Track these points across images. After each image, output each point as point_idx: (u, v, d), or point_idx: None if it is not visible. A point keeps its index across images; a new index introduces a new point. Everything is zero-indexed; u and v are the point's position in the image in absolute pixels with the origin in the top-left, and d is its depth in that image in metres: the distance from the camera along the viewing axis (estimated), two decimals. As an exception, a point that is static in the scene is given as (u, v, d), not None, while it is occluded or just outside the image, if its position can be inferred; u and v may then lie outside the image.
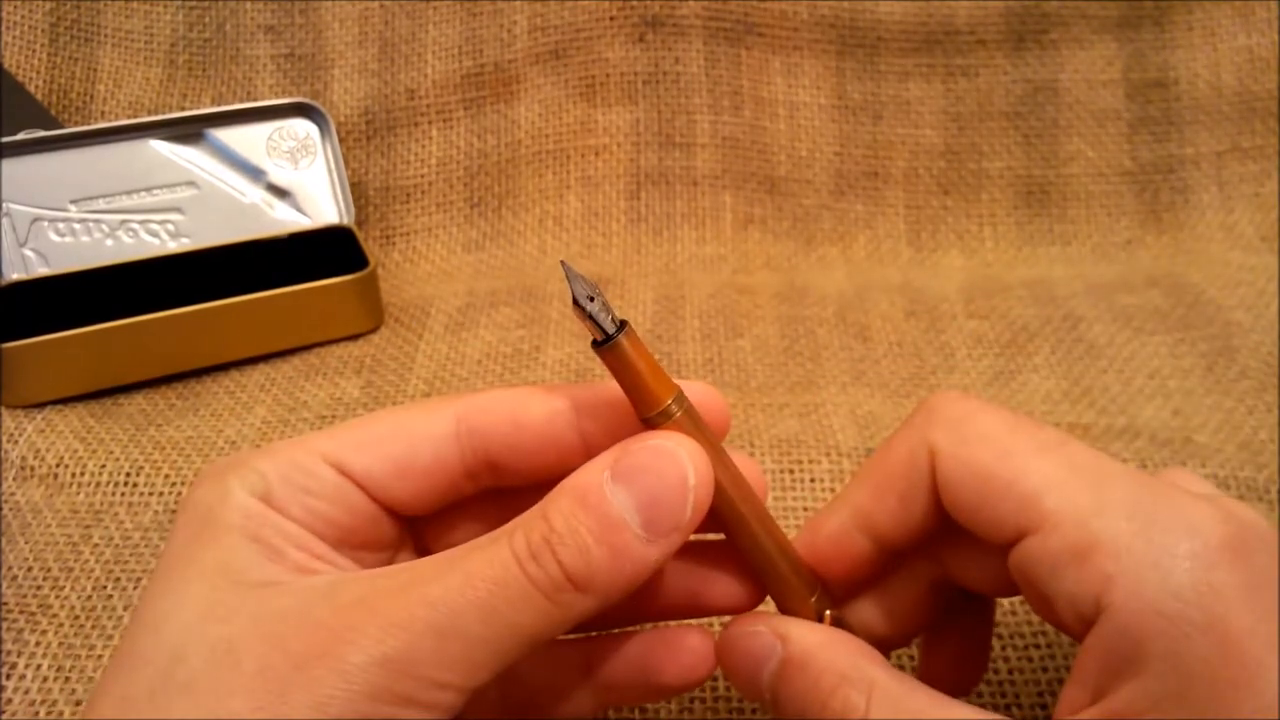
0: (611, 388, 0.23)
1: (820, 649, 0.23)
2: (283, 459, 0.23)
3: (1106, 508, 0.20)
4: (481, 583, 0.20)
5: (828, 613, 0.24)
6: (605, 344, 0.22)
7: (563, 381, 0.26)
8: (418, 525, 0.26)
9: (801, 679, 0.22)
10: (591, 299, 0.22)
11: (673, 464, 0.21)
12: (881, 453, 0.24)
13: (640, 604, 0.26)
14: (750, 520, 0.23)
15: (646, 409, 0.22)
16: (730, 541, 0.24)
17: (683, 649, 0.26)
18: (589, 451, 0.23)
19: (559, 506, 0.21)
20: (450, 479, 0.24)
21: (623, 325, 0.22)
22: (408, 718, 0.20)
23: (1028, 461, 0.22)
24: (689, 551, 0.25)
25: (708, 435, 0.22)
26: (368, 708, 0.19)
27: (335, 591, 0.21)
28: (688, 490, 0.21)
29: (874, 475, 0.24)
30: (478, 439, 0.24)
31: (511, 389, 0.24)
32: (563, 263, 0.23)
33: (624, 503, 0.21)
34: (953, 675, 0.27)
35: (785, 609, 0.25)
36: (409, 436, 0.23)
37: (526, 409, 0.24)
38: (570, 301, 0.22)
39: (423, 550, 0.26)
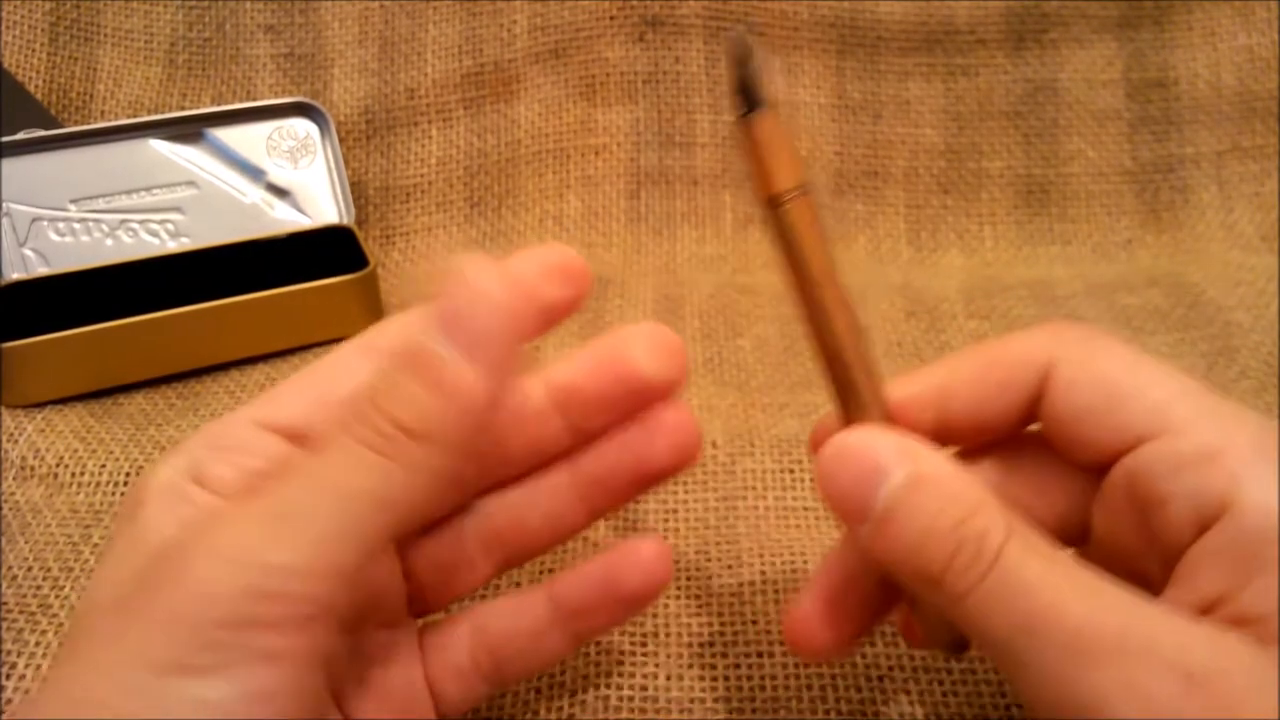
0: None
1: (956, 474, 0.21)
2: (210, 431, 0.23)
3: (1232, 427, 0.21)
4: (314, 464, 0.20)
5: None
6: (748, 114, 0.21)
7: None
8: None
9: (937, 496, 0.21)
10: (755, 63, 0.22)
11: (467, 284, 0.21)
12: (990, 345, 0.24)
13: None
14: (836, 319, 0.23)
15: (766, 187, 0.22)
16: (812, 348, 0.24)
17: (640, 556, 0.26)
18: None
19: (390, 367, 0.21)
20: None
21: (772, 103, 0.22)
22: (270, 615, 0.19)
23: (1155, 377, 0.22)
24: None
25: (819, 230, 0.22)
26: (220, 611, 0.19)
27: (197, 520, 0.21)
28: (487, 300, 0.20)
29: (977, 358, 0.24)
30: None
31: (413, 314, 0.24)
32: (732, 33, 0.22)
33: (431, 337, 0.20)
34: None
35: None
36: (321, 375, 0.24)
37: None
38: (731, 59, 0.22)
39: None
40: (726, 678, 0.31)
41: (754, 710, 0.30)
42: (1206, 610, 0.20)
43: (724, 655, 0.31)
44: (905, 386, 0.24)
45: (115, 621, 0.20)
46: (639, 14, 0.57)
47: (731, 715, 0.30)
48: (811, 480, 0.38)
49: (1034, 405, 0.23)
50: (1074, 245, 0.56)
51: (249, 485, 0.22)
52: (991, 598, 0.20)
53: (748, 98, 0.21)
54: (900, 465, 0.21)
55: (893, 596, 0.25)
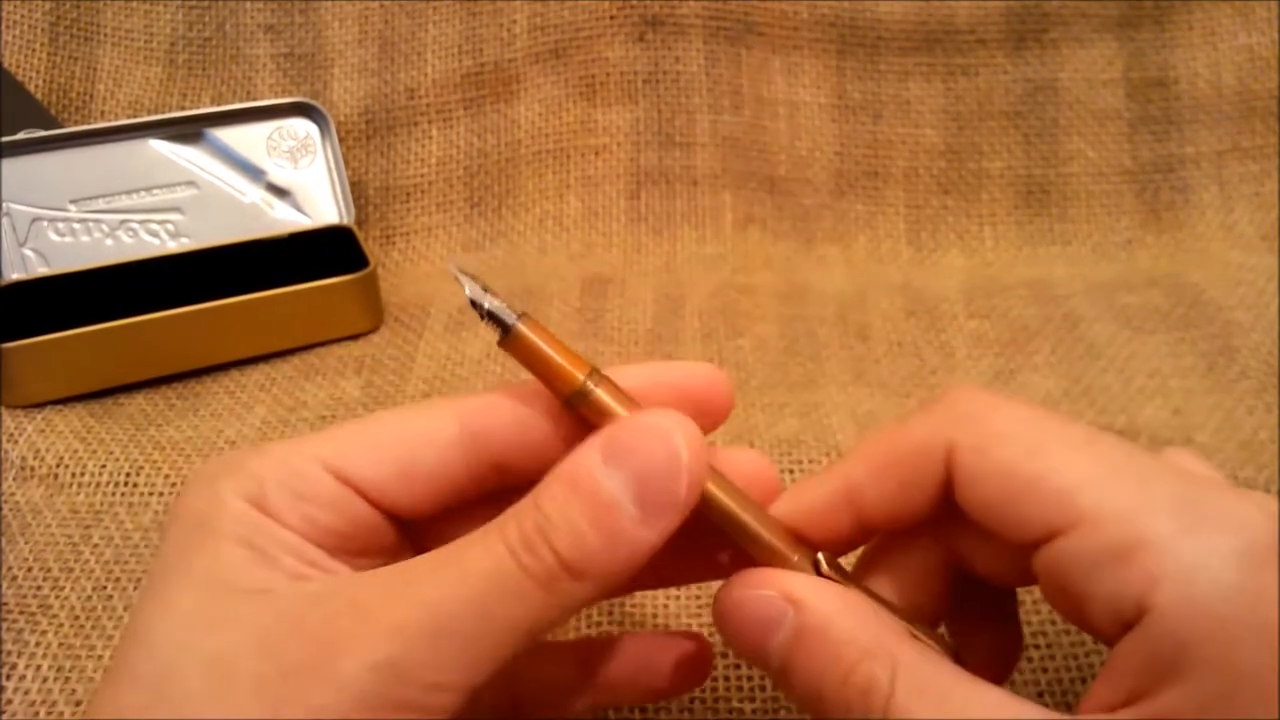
0: (626, 372, 0.23)
1: (839, 616, 0.21)
2: (278, 463, 0.22)
3: (1148, 505, 0.19)
4: (475, 579, 0.20)
5: (820, 556, 0.23)
6: (507, 335, 0.22)
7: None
8: (417, 525, 0.25)
9: (820, 651, 0.21)
10: (487, 290, 0.22)
11: (664, 441, 0.21)
12: (888, 436, 0.23)
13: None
14: (716, 491, 0.23)
15: (560, 391, 0.22)
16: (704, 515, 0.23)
17: (681, 652, 0.26)
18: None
19: (550, 493, 0.20)
20: (454, 482, 0.23)
21: (521, 316, 0.22)
22: (408, 717, 0.19)
23: (1059, 458, 0.21)
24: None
25: (632, 400, 0.22)
26: (363, 715, 0.19)
27: (327, 596, 0.20)
28: (681, 467, 0.20)
29: (876, 455, 0.23)
30: (482, 441, 0.23)
31: (515, 388, 0.24)
32: (451, 263, 0.24)
33: (616, 484, 0.20)
34: (982, 664, 0.25)
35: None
36: (411, 440, 0.23)
37: (531, 409, 0.23)
38: (469, 303, 0.22)
39: (421, 550, 0.26)
40: (726, 678, 0.31)
41: (754, 710, 0.30)
42: (1132, 702, 0.19)
43: (724, 655, 0.31)
44: (811, 490, 0.24)
45: (229, 692, 0.19)
46: (639, 14, 0.57)
47: (731, 715, 0.30)
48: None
49: (940, 499, 0.22)
50: (1074, 245, 0.56)
51: (376, 571, 0.21)
52: (909, 708, 0.20)
53: (498, 321, 0.22)
54: (784, 619, 0.21)
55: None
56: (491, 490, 0.24)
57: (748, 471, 0.24)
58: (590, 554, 0.20)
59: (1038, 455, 0.21)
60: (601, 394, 0.22)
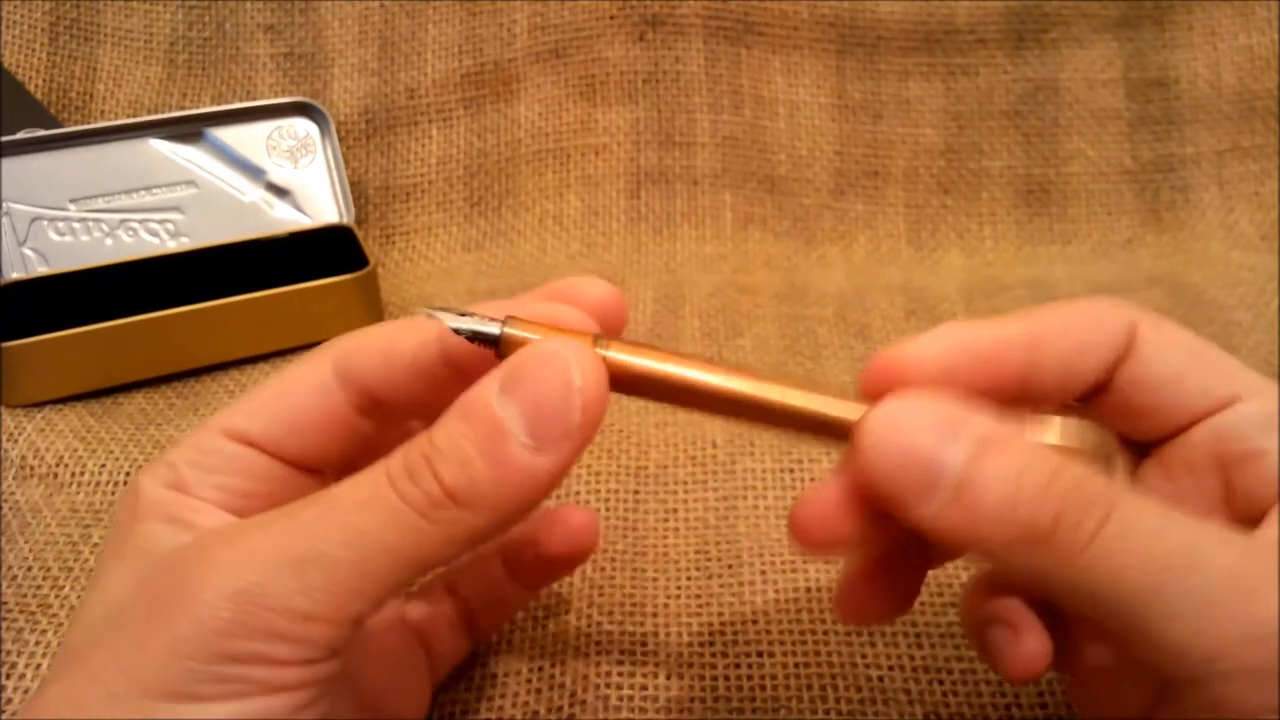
0: (490, 308, 0.23)
1: (1019, 434, 0.20)
2: (188, 444, 0.23)
3: None
4: (348, 506, 0.20)
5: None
6: (497, 344, 0.21)
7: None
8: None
9: (1016, 457, 0.19)
10: (463, 315, 0.22)
11: (557, 367, 0.20)
12: (1065, 306, 0.23)
13: None
14: (750, 386, 0.21)
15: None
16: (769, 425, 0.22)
17: (567, 524, 0.27)
18: (464, 380, 0.22)
19: (443, 424, 0.20)
20: (344, 424, 0.24)
21: (503, 320, 0.22)
22: (277, 654, 0.19)
23: (1220, 350, 0.23)
24: None
25: (646, 347, 0.22)
26: (226, 645, 0.19)
27: (205, 536, 0.20)
28: (573, 392, 0.20)
29: (1062, 312, 0.23)
30: (355, 378, 0.23)
31: (384, 324, 0.24)
32: (421, 311, 0.22)
33: (510, 412, 0.20)
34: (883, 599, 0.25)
35: None
36: (291, 391, 0.23)
37: (396, 344, 0.23)
38: (453, 335, 0.22)
39: None
40: (726, 678, 0.31)
41: (754, 710, 0.30)
42: None
43: (724, 655, 0.31)
44: (998, 328, 0.23)
45: (115, 639, 0.19)
46: (639, 14, 0.57)
47: (731, 715, 0.30)
48: (811, 480, 0.38)
49: (1113, 367, 0.23)
50: (1074, 245, 0.56)
51: (254, 506, 0.21)
52: (1119, 546, 0.18)
53: (486, 339, 0.21)
54: (960, 430, 0.19)
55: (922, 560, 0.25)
56: (389, 423, 0.24)
57: (595, 298, 0.24)
58: (476, 481, 0.19)
59: (1208, 343, 0.23)
60: (615, 356, 0.21)
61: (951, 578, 0.33)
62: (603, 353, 0.21)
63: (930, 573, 0.34)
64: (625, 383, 0.21)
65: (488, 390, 0.20)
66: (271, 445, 0.23)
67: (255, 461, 0.23)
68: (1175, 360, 0.22)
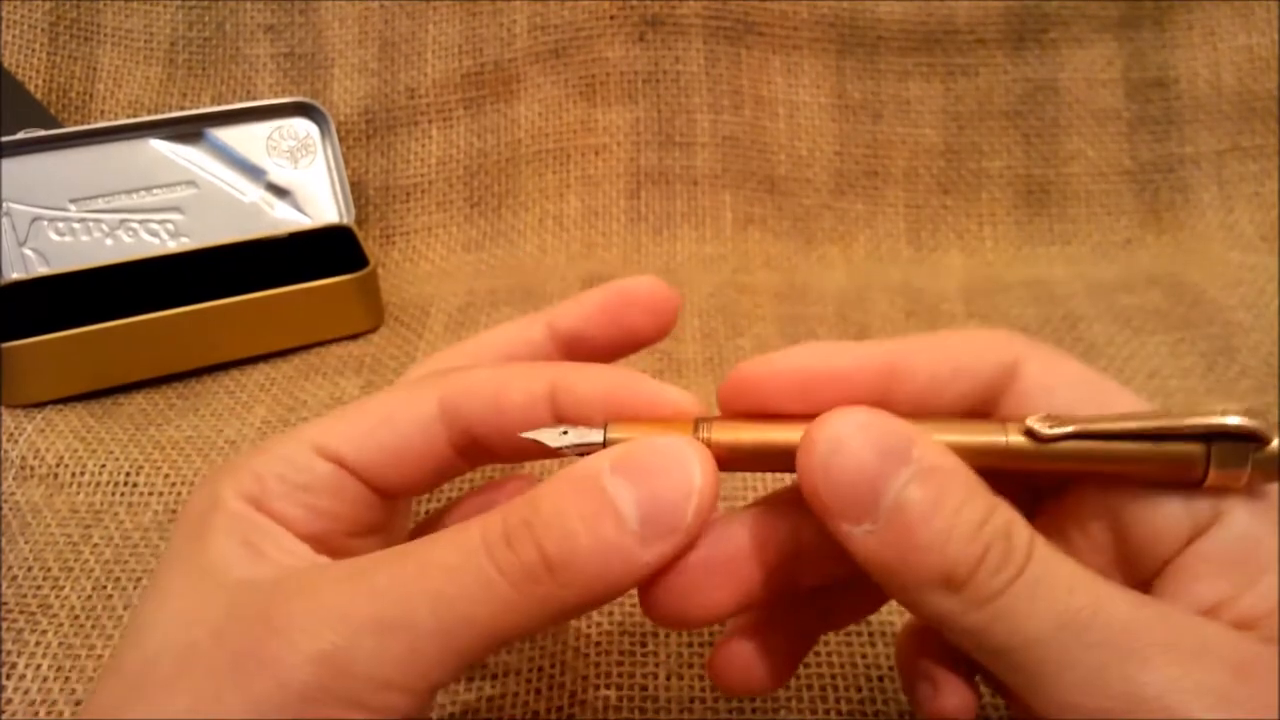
0: (595, 372, 0.23)
1: (964, 467, 0.19)
2: (275, 457, 0.22)
3: None
4: (437, 570, 0.19)
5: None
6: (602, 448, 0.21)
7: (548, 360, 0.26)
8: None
9: (954, 493, 0.19)
10: (565, 433, 0.22)
11: (680, 465, 0.20)
12: (941, 334, 0.23)
13: None
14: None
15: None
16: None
17: (644, 294, 0.26)
18: (566, 421, 0.22)
19: (548, 489, 0.19)
20: (439, 458, 0.23)
21: (605, 426, 0.22)
22: (358, 716, 0.18)
23: (1116, 386, 0.21)
24: None
25: (745, 427, 0.21)
26: (305, 709, 0.18)
27: (286, 582, 0.20)
28: (693, 491, 0.19)
29: (935, 339, 0.22)
30: (461, 420, 0.23)
31: (495, 370, 0.24)
32: (522, 435, 0.22)
33: (623, 495, 0.19)
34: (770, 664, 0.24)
35: None
36: (396, 420, 0.23)
37: (507, 391, 0.23)
38: (558, 452, 0.22)
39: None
40: (726, 677, 0.31)
41: (754, 710, 0.30)
42: (1205, 614, 0.20)
43: (724, 655, 0.31)
44: (850, 354, 0.22)
45: (189, 683, 0.19)
46: (639, 14, 0.57)
47: (731, 715, 0.30)
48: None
49: (986, 399, 0.22)
50: (1074, 245, 0.56)
51: (345, 560, 0.21)
52: (1026, 597, 0.18)
53: (586, 449, 0.21)
54: (910, 455, 0.19)
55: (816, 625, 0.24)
56: (481, 462, 0.24)
57: (648, 298, 0.25)
58: (578, 555, 0.19)
59: (1102, 380, 0.22)
60: (719, 435, 0.21)
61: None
62: (706, 436, 0.21)
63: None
64: (729, 463, 0.21)
65: (599, 467, 0.19)
66: (365, 471, 0.23)
67: (345, 484, 0.23)
68: (1061, 397, 0.21)
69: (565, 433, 0.22)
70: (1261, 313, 0.48)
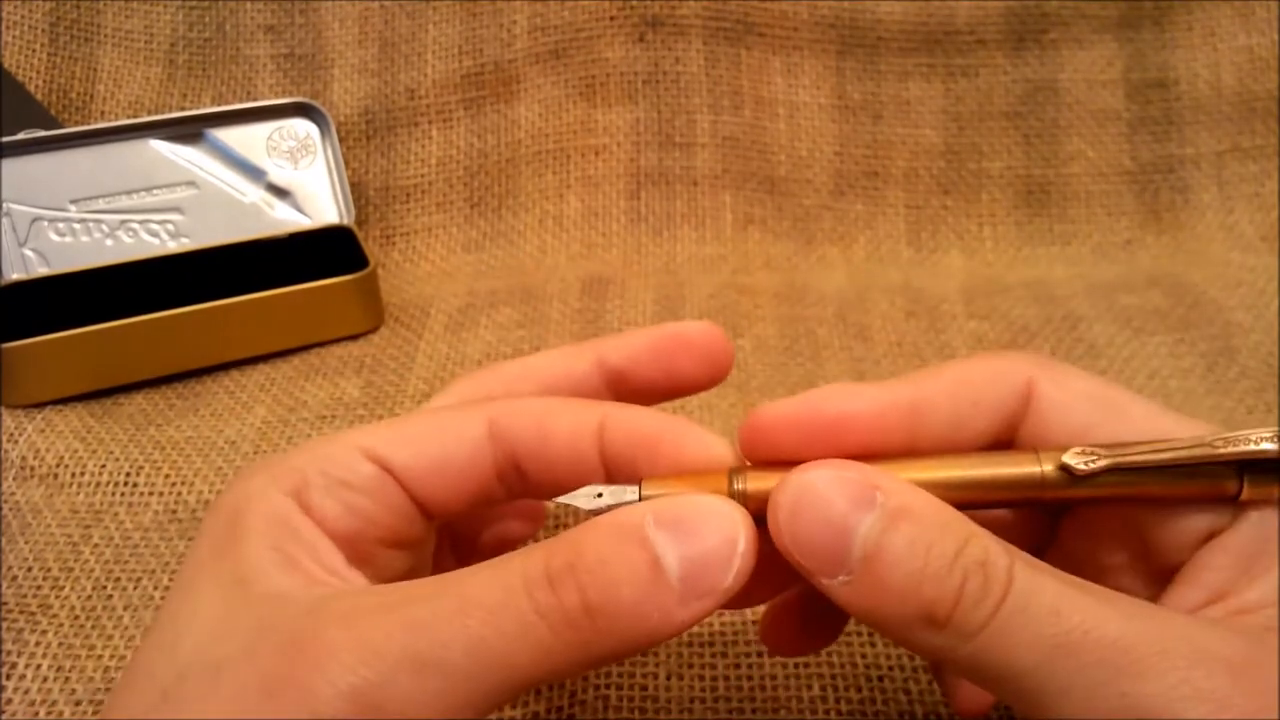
0: (643, 414, 0.23)
1: (935, 502, 0.19)
2: (318, 454, 0.23)
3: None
4: (476, 609, 0.18)
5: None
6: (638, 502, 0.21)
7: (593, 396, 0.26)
8: (447, 527, 0.25)
9: (923, 532, 0.19)
10: (599, 495, 0.22)
11: (724, 525, 0.19)
12: (954, 365, 0.23)
13: None
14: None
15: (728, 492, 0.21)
16: None
17: (695, 339, 0.26)
18: (607, 471, 0.23)
19: (592, 535, 0.19)
20: (482, 480, 0.23)
21: (639, 485, 0.22)
22: None
23: (1129, 395, 0.22)
24: None
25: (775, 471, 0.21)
26: None
27: (322, 607, 0.19)
28: (735, 555, 0.19)
29: (952, 372, 0.22)
30: (507, 444, 0.23)
31: (547, 399, 0.24)
32: (556, 501, 0.22)
33: (667, 550, 0.19)
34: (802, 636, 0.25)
35: None
36: (444, 435, 0.23)
37: (555, 421, 0.23)
38: (588, 515, 0.22)
39: (454, 554, 0.26)
40: (726, 678, 0.31)
41: (754, 710, 0.30)
42: (1210, 604, 0.20)
43: (724, 655, 0.31)
44: (875, 397, 0.22)
45: (217, 703, 0.19)
46: (639, 14, 0.57)
47: (731, 715, 0.30)
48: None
49: (1009, 427, 0.22)
50: (1074, 245, 0.56)
51: (382, 586, 0.21)
52: (1013, 626, 0.18)
53: (619, 502, 0.21)
54: (874, 500, 0.19)
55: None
56: (516, 493, 0.24)
57: (700, 340, 0.25)
58: (620, 606, 0.19)
59: (1114, 389, 0.22)
60: (755, 485, 0.21)
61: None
62: (742, 488, 0.21)
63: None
64: (761, 512, 0.21)
65: (642, 518, 0.19)
66: (410, 480, 0.23)
67: (386, 489, 0.23)
68: (1077, 415, 0.22)
69: (600, 495, 0.22)
70: (1261, 313, 0.48)
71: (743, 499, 0.21)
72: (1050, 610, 0.18)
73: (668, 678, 0.31)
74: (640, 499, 0.21)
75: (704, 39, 0.57)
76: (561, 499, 0.22)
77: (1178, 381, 0.44)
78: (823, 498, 0.19)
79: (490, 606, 0.19)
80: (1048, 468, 0.21)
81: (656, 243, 0.57)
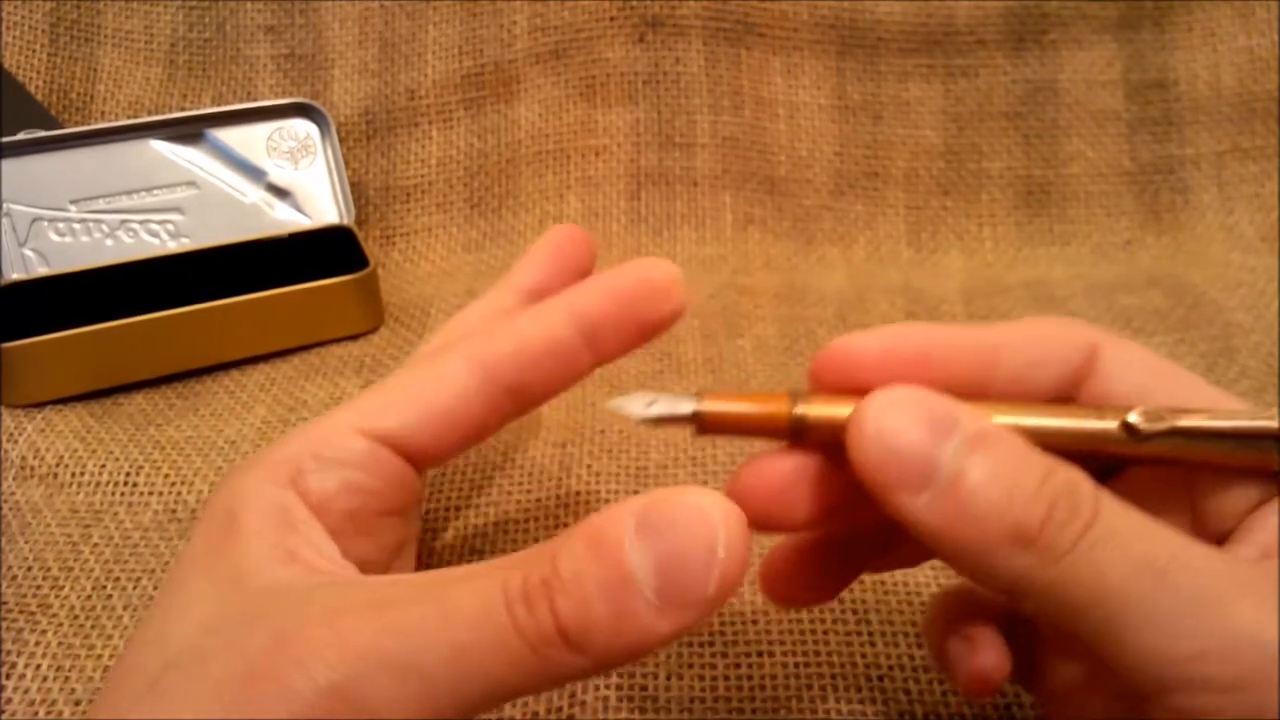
0: (600, 283, 0.24)
1: (1017, 436, 0.20)
2: (312, 436, 0.23)
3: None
4: (460, 620, 0.18)
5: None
6: (698, 423, 0.21)
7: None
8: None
9: (1010, 456, 0.19)
10: (652, 403, 0.21)
11: (703, 528, 0.18)
12: (1027, 322, 0.23)
13: None
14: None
15: (780, 433, 0.21)
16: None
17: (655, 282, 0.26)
18: (591, 348, 0.24)
19: (569, 549, 0.19)
20: (474, 420, 0.24)
21: (697, 396, 0.21)
22: None
23: (1180, 366, 0.22)
24: None
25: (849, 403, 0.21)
26: None
27: (309, 599, 0.20)
28: (714, 563, 0.18)
29: (1025, 325, 0.23)
30: (491, 373, 0.24)
31: (510, 320, 0.25)
32: (609, 405, 0.22)
33: (641, 561, 0.18)
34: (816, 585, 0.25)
35: None
36: (429, 388, 0.24)
37: (528, 330, 0.24)
38: (639, 422, 0.21)
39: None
40: (726, 678, 0.31)
41: (754, 710, 0.30)
42: (1264, 560, 0.20)
43: (724, 655, 0.31)
44: (954, 331, 0.22)
45: (199, 694, 0.19)
46: (639, 14, 0.57)
47: (731, 715, 0.30)
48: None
49: (1072, 384, 0.23)
50: (1074, 246, 0.56)
51: (368, 579, 0.21)
52: (1102, 548, 0.18)
53: (681, 420, 0.21)
54: (960, 423, 0.19)
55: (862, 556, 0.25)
56: (509, 418, 0.25)
57: (662, 280, 0.25)
58: (592, 627, 0.18)
59: (1168, 361, 0.22)
60: (817, 411, 0.21)
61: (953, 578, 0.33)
62: (803, 412, 0.21)
63: (934, 572, 0.34)
64: (828, 439, 0.21)
65: (622, 526, 0.19)
66: (404, 442, 0.23)
67: (381, 459, 0.23)
68: (1138, 378, 0.22)
69: (653, 402, 0.21)
70: (1261, 314, 0.48)
71: (800, 425, 0.21)
72: (1138, 536, 0.19)
73: (668, 678, 0.31)
74: (695, 414, 0.21)
75: (704, 39, 0.57)
76: (613, 404, 0.21)
77: (1178, 382, 0.44)
78: (908, 416, 0.19)
79: (472, 619, 0.18)
80: (1112, 424, 0.21)
81: (656, 243, 0.57)
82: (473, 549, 0.35)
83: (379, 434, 0.23)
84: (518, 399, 0.25)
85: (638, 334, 0.25)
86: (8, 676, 0.32)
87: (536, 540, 0.35)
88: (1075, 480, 0.19)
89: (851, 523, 0.24)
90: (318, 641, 0.18)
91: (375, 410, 0.23)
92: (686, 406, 0.21)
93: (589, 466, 0.38)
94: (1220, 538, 0.22)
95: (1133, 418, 0.21)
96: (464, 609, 0.19)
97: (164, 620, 0.21)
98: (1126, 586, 0.18)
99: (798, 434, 0.21)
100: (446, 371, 0.24)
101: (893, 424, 0.20)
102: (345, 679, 0.18)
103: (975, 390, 0.22)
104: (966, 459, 0.19)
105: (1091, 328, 0.23)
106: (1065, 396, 0.23)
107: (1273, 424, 0.20)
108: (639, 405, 0.21)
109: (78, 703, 0.31)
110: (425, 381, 0.24)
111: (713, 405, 0.21)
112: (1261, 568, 0.19)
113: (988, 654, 0.23)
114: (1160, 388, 0.22)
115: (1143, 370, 0.22)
